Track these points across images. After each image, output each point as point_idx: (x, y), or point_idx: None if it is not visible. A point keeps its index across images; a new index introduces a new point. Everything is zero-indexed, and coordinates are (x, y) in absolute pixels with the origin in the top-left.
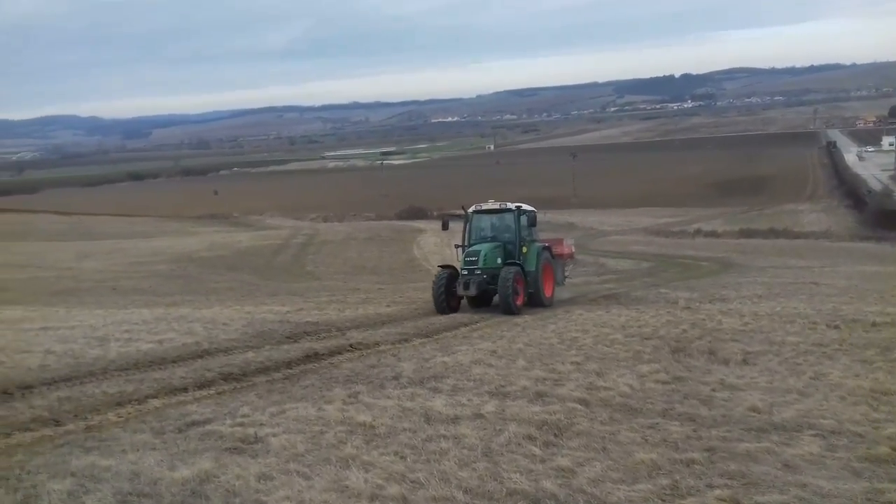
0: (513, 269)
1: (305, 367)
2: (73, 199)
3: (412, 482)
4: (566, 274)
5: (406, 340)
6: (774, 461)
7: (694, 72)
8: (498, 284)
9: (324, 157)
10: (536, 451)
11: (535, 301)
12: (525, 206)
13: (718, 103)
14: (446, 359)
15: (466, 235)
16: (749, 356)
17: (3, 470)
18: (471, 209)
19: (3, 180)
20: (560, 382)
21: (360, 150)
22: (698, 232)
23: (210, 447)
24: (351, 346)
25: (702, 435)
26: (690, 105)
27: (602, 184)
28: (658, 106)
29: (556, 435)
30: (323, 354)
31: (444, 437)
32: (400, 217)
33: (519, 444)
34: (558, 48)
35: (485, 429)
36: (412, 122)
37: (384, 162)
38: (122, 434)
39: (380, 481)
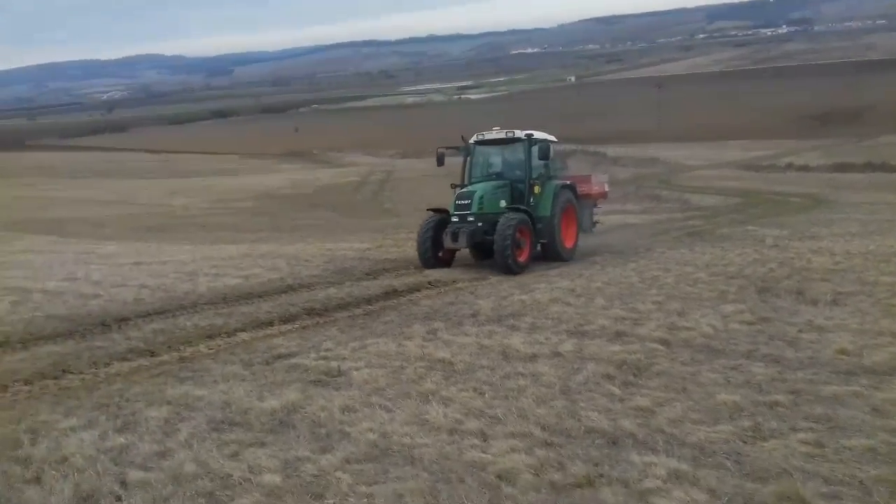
0: (515, 216)
1: (385, 303)
2: (161, 138)
3: (490, 418)
4: (595, 219)
5: (483, 278)
6: (863, 405)
7: None
8: (495, 235)
9: (401, 93)
10: (615, 390)
11: (551, 254)
12: (539, 134)
13: (816, 28)
14: (524, 297)
15: (466, 172)
16: (839, 297)
17: (104, 398)
18: (472, 139)
19: (94, 119)
20: (640, 322)
21: (438, 85)
22: (790, 166)
23: (296, 379)
24: (429, 283)
25: (787, 377)
26: (785, 30)
27: (689, 116)
28: (750, 32)
29: (635, 375)
30: (402, 291)
31: (522, 374)
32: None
33: (597, 384)
34: None
35: (563, 367)
36: (491, 54)
37: (462, 96)
38: (213, 365)
39: (459, 416)
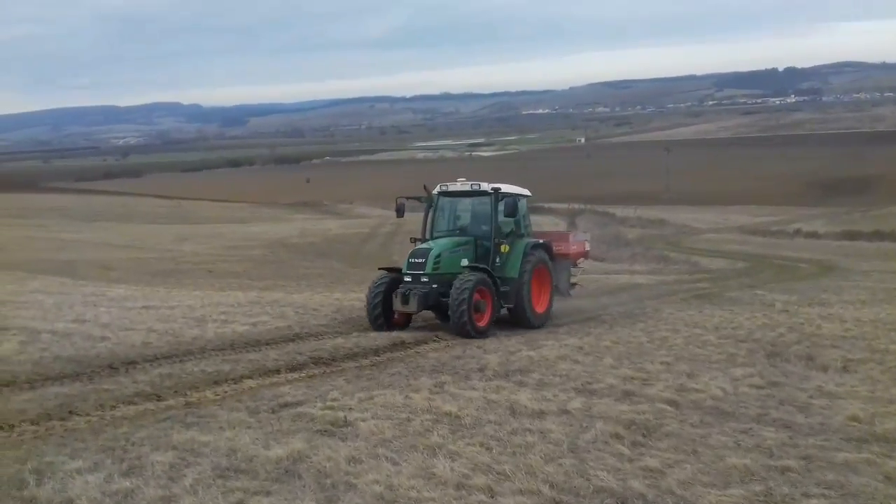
0: (473, 275)
1: (392, 354)
2: (175, 184)
3: (498, 474)
4: (574, 281)
5: (490, 333)
6: (875, 473)
7: (799, 65)
8: (450, 296)
9: (413, 148)
10: (624, 450)
11: (519, 319)
12: (508, 188)
13: (824, 98)
14: (532, 353)
15: (428, 226)
16: (850, 363)
17: (110, 441)
18: (435, 190)
19: (109, 164)
20: (649, 382)
21: (450, 141)
22: (798, 232)
23: (302, 428)
24: (436, 336)
25: (798, 442)
26: (794, 100)
27: (697, 180)
28: (759, 100)
29: (644, 435)
30: (409, 343)
31: (530, 430)
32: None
33: (606, 443)
34: (655, 38)
35: (571, 425)
36: (502, 113)
37: (473, 153)
38: (219, 411)
39: (466, 471)
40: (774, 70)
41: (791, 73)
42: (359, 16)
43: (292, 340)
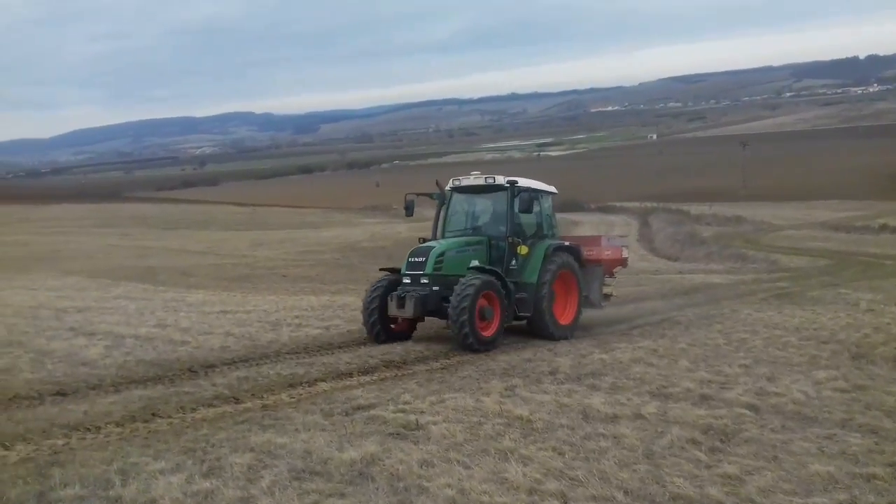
0: (477, 278)
1: (462, 357)
2: (249, 191)
3: (571, 479)
4: (607, 291)
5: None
6: None
7: (881, 52)
8: (450, 301)
9: (480, 149)
10: (701, 456)
11: (537, 330)
12: (526, 182)
13: None
14: (604, 356)
15: (440, 225)
16: None
17: (191, 442)
18: (448, 185)
19: (187, 173)
20: (727, 386)
21: (517, 142)
22: (884, 227)
23: (374, 431)
24: (507, 338)
25: (885, 449)
26: (877, 89)
27: (775, 175)
28: (840, 90)
29: (722, 441)
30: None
31: (603, 435)
32: (555, 209)
33: (682, 448)
34: (729, 30)
35: (645, 430)
36: (571, 112)
37: (541, 153)
38: (294, 414)
39: (538, 476)
40: (855, 58)
41: (873, 60)
42: (424, 20)
43: (364, 344)
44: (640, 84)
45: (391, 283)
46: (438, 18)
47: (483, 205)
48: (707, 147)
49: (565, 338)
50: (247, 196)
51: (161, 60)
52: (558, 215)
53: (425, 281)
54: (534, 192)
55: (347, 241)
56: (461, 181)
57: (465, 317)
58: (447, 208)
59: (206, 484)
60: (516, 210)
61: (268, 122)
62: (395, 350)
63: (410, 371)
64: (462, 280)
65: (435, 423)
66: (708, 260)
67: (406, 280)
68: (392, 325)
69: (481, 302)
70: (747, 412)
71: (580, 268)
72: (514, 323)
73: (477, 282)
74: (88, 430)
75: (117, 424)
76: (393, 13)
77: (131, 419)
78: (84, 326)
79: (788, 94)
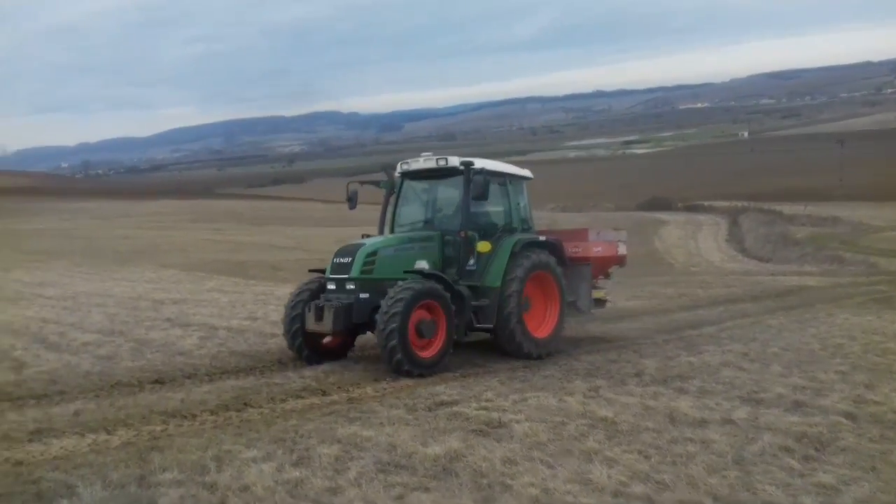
0: (413, 284)
1: (544, 357)
2: (335, 188)
3: (657, 483)
4: (598, 295)
5: (647, 336)
6: None
7: None
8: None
9: (565, 147)
10: (794, 464)
11: (504, 345)
12: (485, 163)
13: None
14: (692, 359)
15: (389, 218)
16: None
17: (281, 432)
18: (397, 170)
19: (276, 171)
20: (822, 392)
21: (602, 140)
22: None
23: (458, 427)
24: (590, 338)
25: None
26: None
27: (874, 174)
28: None
29: (816, 449)
30: (561, 345)
31: (691, 440)
32: (641, 208)
33: (774, 455)
34: (826, 24)
35: (735, 435)
36: (658, 109)
37: (626, 151)
38: (379, 408)
39: (623, 478)
40: None
41: None
42: (509, 19)
43: None
44: (731, 80)
45: (321, 287)
46: (523, 16)
47: (437, 193)
48: (802, 145)
49: (540, 356)
50: (333, 193)
51: (252, 62)
52: (642, 214)
53: (351, 287)
54: (497, 175)
55: None
56: (410, 165)
57: (395, 334)
58: (397, 198)
59: (296, 473)
60: (472, 196)
61: (353, 121)
62: (477, 348)
63: (492, 369)
64: (395, 287)
65: (517, 422)
66: (802, 262)
67: (330, 286)
68: (323, 340)
69: (419, 314)
70: (844, 420)
71: (562, 268)
72: (472, 338)
73: (413, 289)
74: (185, 417)
75: (212, 413)
76: (478, 12)
77: (224, 408)
78: (180, 318)
79: (889, 91)
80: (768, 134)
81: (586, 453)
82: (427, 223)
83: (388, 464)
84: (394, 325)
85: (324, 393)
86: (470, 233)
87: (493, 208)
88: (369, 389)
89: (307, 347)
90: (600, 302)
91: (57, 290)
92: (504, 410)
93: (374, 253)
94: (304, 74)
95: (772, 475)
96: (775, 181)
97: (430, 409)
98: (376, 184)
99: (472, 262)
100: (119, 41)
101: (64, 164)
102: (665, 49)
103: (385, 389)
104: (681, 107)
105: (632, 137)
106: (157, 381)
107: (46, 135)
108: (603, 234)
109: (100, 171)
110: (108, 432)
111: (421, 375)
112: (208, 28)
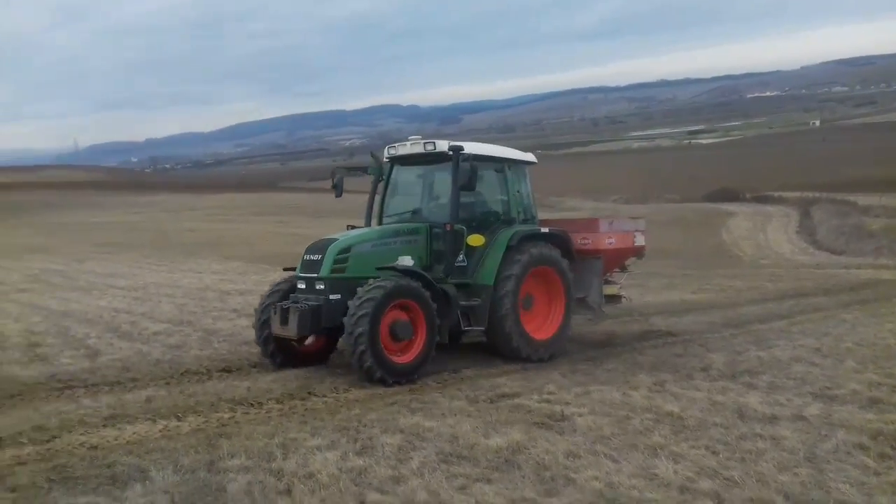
0: (384, 283)
1: (607, 350)
2: None
3: (726, 479)
4: (611, 292)
5: (715, 330)
6: None
7: None
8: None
9: (627, 138)
10: (869, 462)
11: (500, 347)
12: (476, 147)
13: None
14: (761, 353)
15: (377, 208)
16: None
17: (344, 421)
18: (385, 155)
19: (336, 164)
20: None
21: (666, 130)
22: None
23: (519, 420)
24: (655, 332)
25: None
26: None
27: None
28: None
29: (893, 447)
30: (625, 339)
31: (761, 436)
32: (708, 199)
33: (848, 453)
34: None
35: (807, 432)
36: (724, 98)
37: (692, 141)
38: (440, 399)
39: (690, 474)
40: None
41: None
42: (569, 8)
43: None
44: (801, 67)
45: (294, 287)
46: (585, 5)
47: (426, 181)
48: (877, 134)
49: (541, 360)
50: None
51: (313, 56)
52: (709, 206)
53: (321, 286)
54: (492, 161)
55: None
56: (397, 149)
57: (364, 338)
58: (386, 186)
59: (360, 461)
60: (458, 185)
61: (413, 113)
62: None
63: (554, 362)
64: (365, 285)
65: (580, 415)
66: (877, 254)
67: (300, 285)
68: (302, 344)
69: (394, 315)
70: None
71: (569, 262)
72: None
73: (383, 288)
74: (252, 405)
75: (277, 401)
76: (539, 2)
77: (290, 397)
78: (245, 308)
79: None
80: (841, 122)
81: (651, 448)
82: (415, 214)
83: (451, 454)
84: (362, 329)
85: (386, 383)
86: (458, 225)
87: (490, 197)
88: (430, 380)
89: (281, 353)
90: (614, 299)
91: (128, 280)
92: (567, 403)
93: (346, 249)
94: (364, 69)
95: (845, 473)
96: (848, 171)
97: (491, 401)
98: (363, 170)
99: (461, 257)
100: (185, 38)
101: (133, 159)
102: (732, 36)
103: (446, 381)
104: (749, 95)
105: (697, 127)
106: (224, 370)
107: (116, 130)
108: (617, 224)
109: (167, 166)
110: (179, 419)
111: (398, 383)
112: (270, 24)
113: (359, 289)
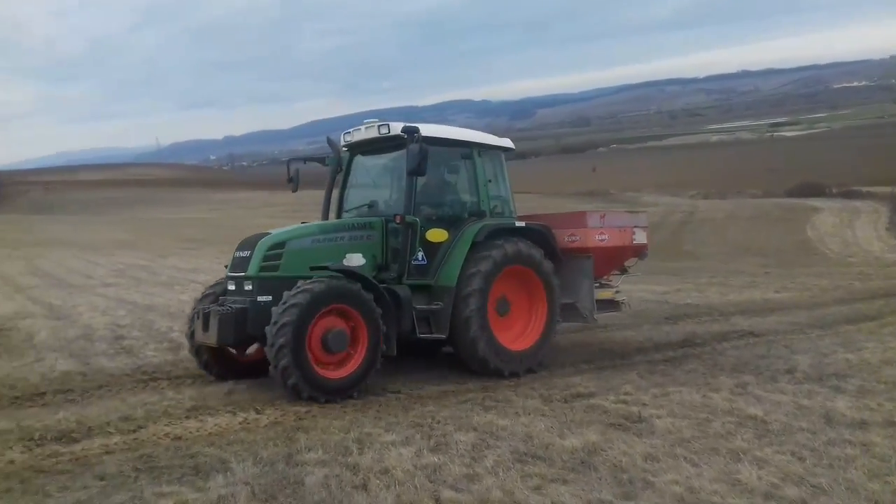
0: (314, 285)
1: (686, 350)
2: None
3: (813, 487)
4: (605, 296)
5: (800, 331)
6: None
7: None
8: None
9: (706, 131)
10: None
11: (466, 359)
12: (433, 129)
13: None
14: (850, 355)
15: (336, 202)
16: None
17: (418, 418)
18: (342, 141)
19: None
20: None
21: (747, 122)
22: None
23: (595, 420)
24: (736, 332)
25: None
26: None
27: None
28: None
29: None
30: (705, 339)
31: (850, 442)
32: (791, 194)
33: None
34: None
35: None
36: (809, 88)
37: (774, 134)
38: (513, 397)
39: (775, 480)
40: None
41: None
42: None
43: (579, 331)
44: (891, 57)
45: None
46: None
47: (386, 170)
48: None
49: (516, 374)
50: None
51: (386, 54)
52: (792, 201)
53: (249, 287)
54: (458, 145)
55: None
56: (353, 135)
57: (286, 352)
58: (345, 177)
59: (434, 458)
60: (407, 170)
61: (485, 109)
62: (614, 339)
63: (630, 362)
64: (293, 290)
65: (659, 417)
66: None
67: (230, 286)
68: (245, 352)
69: (328, 323)
70: None
71: (553, 262)
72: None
73: (308, 292)
74: (328, 401)
75: (352, 396)
76: None
77: (364, 392)
78: None
79: None
80: None
81: (734, 452)
82: (372, 208)
83: (525, 454)
84: (283, 340)
85: (458, 381)
86: (410, 217)
87: (455, 188)
88: (503, 379)
89: (216, 364)
90: (611, 304)
91: (208, 276)
92: (644, 405)
93: (279, 245)
94: (436, 64)
95: None
96: None
97: (565, 401)
98: (321, 161)
99: (420, 255)
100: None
101: (212, 157)
102: (817, 24)
103: (520, 379)
104: (835, 86)
105: (780, 119)
106: None
107: (196, 128)
108: (611, 219)
109: (244, 163)
110: (258, 412)
111: (331, 401)
112: (343, 21)
113: (285, 293)
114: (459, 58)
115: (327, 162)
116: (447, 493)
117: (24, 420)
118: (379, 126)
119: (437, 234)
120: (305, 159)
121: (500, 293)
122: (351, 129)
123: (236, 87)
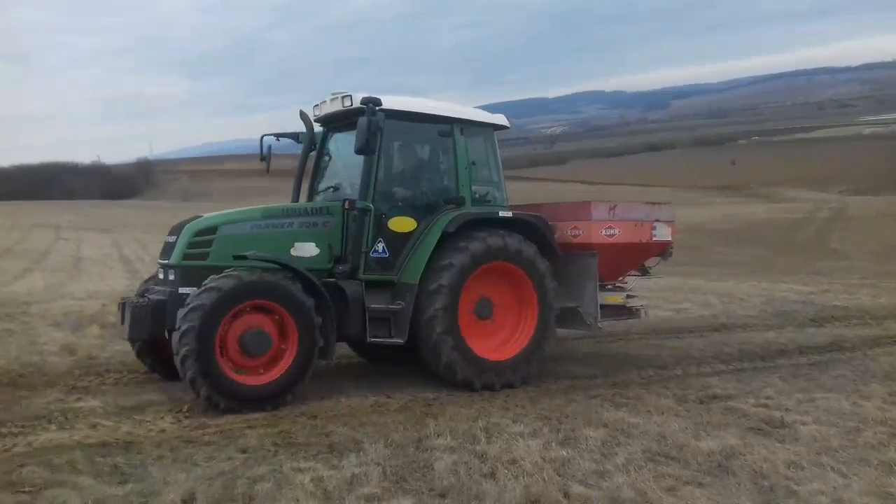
0: (218, 286)
1: (834, 355)
2: (597, 170)
3: None
4: (614, 300)
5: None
6: None
7: None
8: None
9: (858, 123)
10: None
11: (430, 367)
12: (408, 102)
13: None
14: None
15: (309, 182)
16: None
17: (546, 411)
18: (312, 115)
19: (537, 153)
20: None
21: None
22: None
23: (733, 423)
24: (890, 337)
25: None
26: None
27: None
28: None
29: None
30: (854, 343)
31: None
32: None
33: None
34: None
35: None
36: None
37: None
38: (645, 395)
39: None
40: None
41: None
42: None
43: (717, 330)
44: None
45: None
46: None
47: (348, 148)
48: None
49: (491, 387)
50: (594, 174)
51: (516, 45)
52: None
53: (172, 277)
54: (431, 120)
55: (696, 221)
56: (321, 108)
57: (191, 360)
58: (318, 156)
59: (563, 452)
60: (355, 147)
61: (618, 99)
62: (754, 340)
63: (772, 364)
64: (198, 290)
65: (804, 423)
66: None
67: (160, 275)
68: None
69: (248, 321)
70: None
71: (548, 259)
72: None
73: (218, 289)
74: (455, 387)
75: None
76: None
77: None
78: None
79: None
80: None
81: (886, 464)
82: (337, 191)
83: (658, 454)
84: (186, 350)
85: (586, 375)
86: (362, 203)
87: (429, 170)
88: (634, 375)
89: (160, 362)
90: (623, 311)
91: None
92: (787, 410)
93: (210, 230)
94: (567, 55)
95: None
96: None
97: (701, 402)
98: (295, 137)
99: (380, 246)
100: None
101: None
102: None
103: (651, 377)
104: None
105: None
106: None
107: None
108: (623, 211)
109: None
110: (388, 396)
111: (259, 409)
112: (475, 14)
113: (193, 291)
114: (591, 49)
115: (300, 138)
116: (576, 488)
117: (174, 392)
118: (343, 98)
119: (402, 224)
120: (278, 135)
121: (480, 294)
122: (319, 102)
123: (369, 82)
